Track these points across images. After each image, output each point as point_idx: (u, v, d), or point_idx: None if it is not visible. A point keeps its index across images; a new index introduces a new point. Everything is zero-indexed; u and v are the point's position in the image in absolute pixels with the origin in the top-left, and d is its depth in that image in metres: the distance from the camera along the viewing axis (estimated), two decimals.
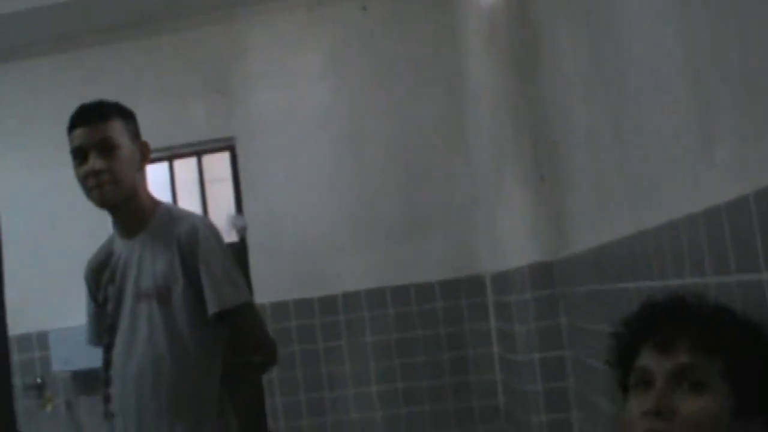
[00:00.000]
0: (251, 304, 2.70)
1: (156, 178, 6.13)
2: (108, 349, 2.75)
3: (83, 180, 2.60)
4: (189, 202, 5.87)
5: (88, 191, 2.59)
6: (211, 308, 2.58)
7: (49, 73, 6.17)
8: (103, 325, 2.79)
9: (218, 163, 6.01)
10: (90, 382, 5.83)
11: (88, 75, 6.08)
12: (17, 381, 5.95)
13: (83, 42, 6.11)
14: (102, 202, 2.60)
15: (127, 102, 5.62)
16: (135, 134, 2.70)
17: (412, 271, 5.58)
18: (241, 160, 5.73)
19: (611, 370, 1.68)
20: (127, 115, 2.70)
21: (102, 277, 2.78)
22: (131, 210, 2.67)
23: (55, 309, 5.92)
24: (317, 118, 5.77)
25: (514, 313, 4.69)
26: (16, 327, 5.87)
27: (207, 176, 6.02)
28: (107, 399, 2.75)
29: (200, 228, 2.65)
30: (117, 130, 2.60)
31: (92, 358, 5.52)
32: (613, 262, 3.14)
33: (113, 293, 2.71)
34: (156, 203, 2.78)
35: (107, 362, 2.74)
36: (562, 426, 4.38)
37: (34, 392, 5.94)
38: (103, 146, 2.55)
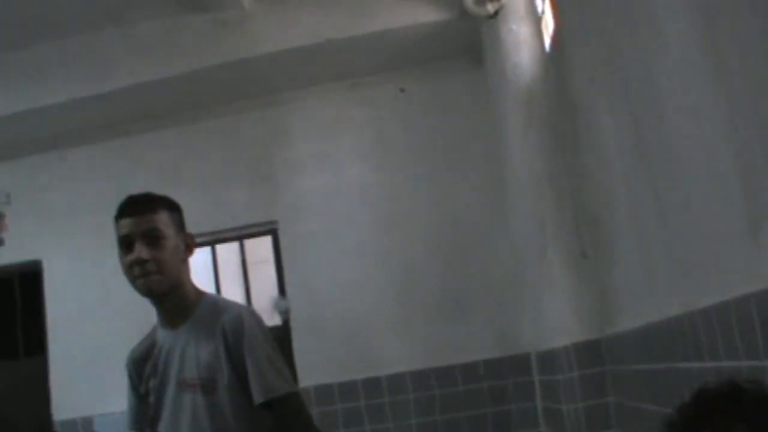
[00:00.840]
0: (297, 394, 2.65)
1: (199, 262, 6.20)
2: None
3: (128, 269, 2.60)
4: (232, 285, 5.91)
5: (133, 280, 2.60)
6: (257, 398, 2.52)
7: (94, 161, 6.32)
8: (145, 416, 2.79)
9: (261, 246, 6.06)
10: None
11: (133, 162, 6.22)
12: None
13: (127, 130, 6.26)
14: (147, 292, 2.59)
15: (171, 187, 5.70)
16: (181, 226, 2.72)
17: (456, 350, 5.53)
18: (283, 242, 5.78)
19: None
20: (173, 208, 2.73)
21: (145, 368, 2.73)
22: (175, 300, 2.65)
23: (99, 395, 5.92)
24: (358, 198, 5.82)
25: (561, 391, 4.62)
26: (61, 413, 5.92)
27: (249, 259, 6.06)
28: None
29: (245, 318, 2.62)
30: (163, 221, 2.59)
31: None
32: (662, 341, 3.09)
33: (156, 385, 2.67)
34: (200, 293, 2.80)
35: None
36: None
37: None
38: (149, 236, 2.54)
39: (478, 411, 5.48)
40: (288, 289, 5.71)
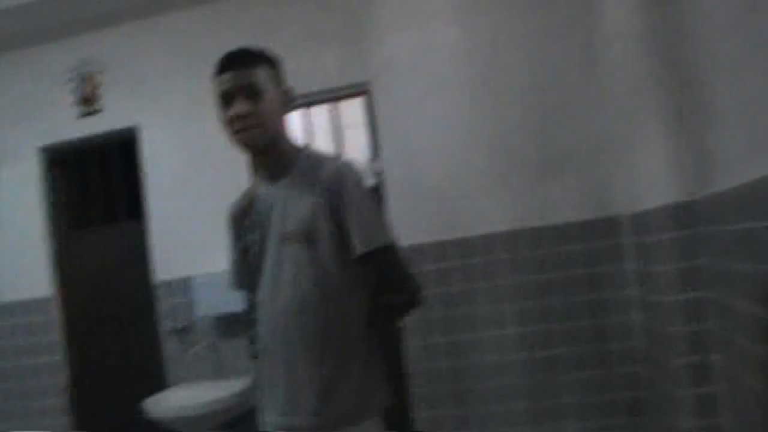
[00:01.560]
0: (396, 245, 2.75)
1: (292, 126, 6.29)
2: (252, 292, 2.87)
3: (228, 124, 2.71)
4: (325, 149, 5.98)
5: (233, 135, 2.70)
6: (358, 249, 2.64)
7: (187, 26, 6.40)
8: (247, 270, 2.89)
9: (353, 109, 6.09)
10: (232, 325, 6.07)
11: (225, 26, 6.28)
12: (163, 327, 6.27)
13: None
14: (246, 146, 2.70)
15: None
16: (280, 80, 2.80)
17: (548, 212, 5.55)
18: (376, 105, 5.77)
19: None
20: (273, 62, 2.80)
21: (244, 222, 2.89)
22: (275, 154, 2.77)
23: (198, 256, 6.16)
24: (451, 59, 5.78)
25: (653, 253, 4.64)
26: (161, 274, 6.18)
27: (343, 122, 6.11)
28: (253, 340, 2.88)
29: (345, 171, 2.71)
30: (263, 75, 2.68)
31: (235, 302, 5.81)
32: (763, 199, 3.06)
33: (257, 238, 2.80)
34: (299, 148, 2.87)
35: (252, 305, 2.88)
36: (704, 368, 4.34)
37: (178, 336, 6.18)
38: (249, 91, 2.63)
39: (569, 273, 5.54)
40: (381, 151, 5.74)
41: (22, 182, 6.70)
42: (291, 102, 2.85)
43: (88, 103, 6.56)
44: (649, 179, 4.64)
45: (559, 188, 5.55)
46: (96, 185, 6.81)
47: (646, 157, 4.63)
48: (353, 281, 2.70)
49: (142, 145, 6.43)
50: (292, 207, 2.71)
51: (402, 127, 5.75)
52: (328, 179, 2.68)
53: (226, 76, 2.67)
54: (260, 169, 2.84)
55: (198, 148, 6.25)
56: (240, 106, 2.62)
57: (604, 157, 5.50)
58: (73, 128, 6.62)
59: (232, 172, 6.13)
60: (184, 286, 6.22)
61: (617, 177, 5.44)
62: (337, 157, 2.83)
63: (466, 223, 5.61)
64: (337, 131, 6.11)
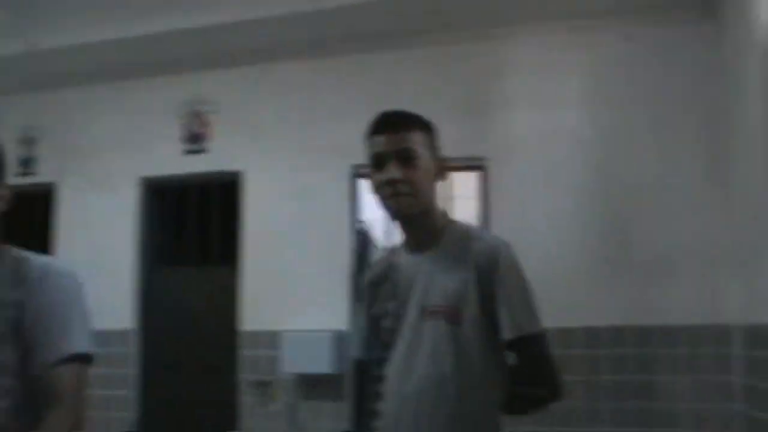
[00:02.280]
0: (545, 335, 2.59)
1: None
2: (382, 365, 2.72)
3: (379, 188, 2.57)
4: None
5: (384, 200, 2.57)
6: (507, 333, 2.50)
7: (301, 77, 6.46)
8: (378, 341, 2.84)
9: (466, 181, 6.09)
10: (315, 386, 6.04)
11: (339, 82, 6.32)
12: (243, 375, 6.25)
13: (338, 49, 6.37)
14: (397, 213, 2.58)
15: (376, 112, 5.82)
16: (434, 147, 2.67)
17: (656, 313, 5.46)
18: (490, 180, 5.76)
19: None
20: (428, 128, 2.66)
21: (380, 290, 2.78)
22: (424, 224, 2.64)
23: (288, 311, 6.16)
24: (571, 144, 5.76)
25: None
26: (248, 324, 6.18)
27: (454, 193, 6.12)
28: (373, 414, 2.78)
29: (502, 249, 2.57)
30: (418, 141, 2.58)
31: (319, 363, 5.78)
32: None
33: (394, 308, 2.69)
34: (450, 220, 2.78)
35: (380, 377, 2.71)
36: None
37: (259, 390, 6.16)
38: (403, 156, 2.53)
39: (673, 376, 5.42)
40: (492, 226, 5.70)
41: (120, 211, 6.79)
42: (444, 170, 2.71)
43: (196, 140, 6.65)
44: None
45: (671, 290, 5.46)
46: (193, 224, 6.85)
47: None
48: (494, 366, 2.57)
49: (245, 189, 6.47)
50: (436, 280, 2.59)
51: (516, 205, 5.73)
52: (480, 256, 2.55)
53: (381, 138, 2.56)
54: (406, 237, 2.70)
55: (302, 199, 6.28)
56: (393, 171, 2.51)
57: (721, 262, 5.40)
58: (178, 164, 6.71)
59: (336, 230, 6.15)
60: (270, 339, 6.19)
61: (733, 287, 5.32)
62: (491, 235, 2.73)
63: (571, 313, 5.52)
64: (448, 201, 6.10)
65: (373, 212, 6.38)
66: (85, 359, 2.32)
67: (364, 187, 6.38)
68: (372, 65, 6.26)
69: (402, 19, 6.04)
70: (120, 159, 6.86)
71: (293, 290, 6.17)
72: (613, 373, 5.49)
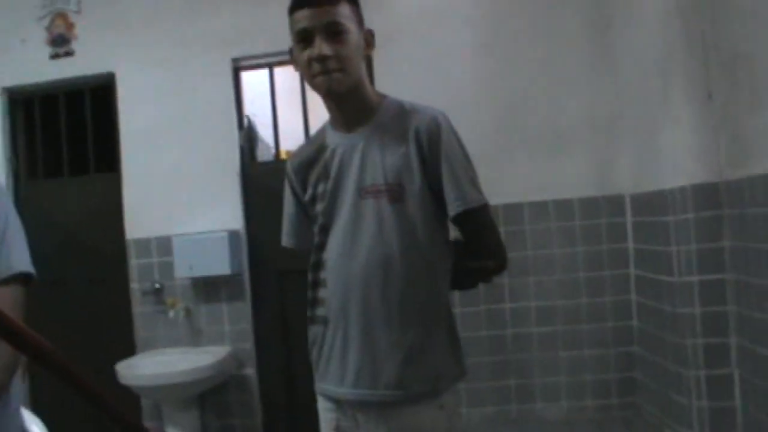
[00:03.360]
0: (488, 206, 2.65)
1: (285, 84, 6.23)
2: (319, 250, 2.70)
3: (307, 65, 2.52)
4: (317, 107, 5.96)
5: (312, 77, 2.53)
6: (453, 208, 2.53)
7: None
8: (305, 226, 2.79)
9: None
10: (213, 288, 6.02)
11: None
12: (135, 286, 6.18)
13: None
14: (327, 90, 2.54)
15: (257, 3, 5.74)
16: (361, 20, 2.63)
17: (552, 187, 5.63)
18: (377, 66, 5.73)
19: None
20: (354, 0, 2.60)
21: (310, 173, 2.74)
22: (356, 100, 2.62)
23: (175, 214, 6.07)
24: (458, 22, 5.77)
25: (671, 233, 4.74)
26: (135, 232, 6.08)
27: None
28: (314, 302, 2.72)
29: (441, 121, 2.59)
30: (345, 14, 2.52)
31: (216, 265, 5.77)
32: None
33: (327, 190, 2.66)
34: (381, 95, 2.74)
35: (318, 263, 2.70)
36: (720, 349, 4.47)
37: (152, 297, 6.11)
38: (331, 30, 2.48)
39: (571, 249, 5.65)
40: None
41: None
42: (371, 44, 2.72)
43: (62, 43, 6.38)
44: (670, 159, 4.71)
45: (563, 163, 5.64)
46: (66, 133, 6.60)
47: (670, 137, 4.70)
48: (441, 241, 2.60)
49: (120, 91, 6.28)
50: (373, 158, 2.57)
51: (405, 90, 5.61)
52: (420, 129, 2.56)
53: (305, 12, 2.48)
54: (335, 115, 2.69)
55: (182, 97, 6.12)
56: (322, 47, 2.45)
57: (611, 136, 5.60)
58: (44, 70, 6.41)
59: (221, 126, 6.06)
60: (160, 245, 6.11)
61: (624, 157, 5.54)
62: (431, 107, 2.68)
63: None
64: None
65: (255, 106, 6.32)
66: (26, 279, 2.23)
67: (246, 80, 6.29)
68: None
69: None
70: None
71: (181, 193, 6.07)
72: (511, 251, 5.64)
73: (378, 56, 5.71)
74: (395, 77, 5.68)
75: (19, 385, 2.37)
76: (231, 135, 6.11)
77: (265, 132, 6.47)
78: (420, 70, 5.74)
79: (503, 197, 5.62)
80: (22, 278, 2.21)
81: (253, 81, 6.34)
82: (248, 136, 6.24)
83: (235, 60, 6.11)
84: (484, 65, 5.74)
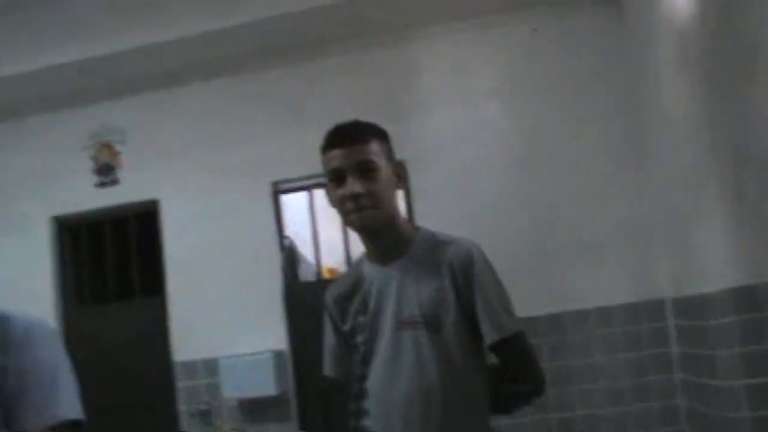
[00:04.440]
0: (524, 333, 2.70)
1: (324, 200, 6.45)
2: (361, 380, 2.77)
3: (340, 203, 2.61)
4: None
5: (346, 215, 2.61)
6: (489, 337, 2.59)
7: (212, 98, 6.58)
8: (345, 357, 2.85)
9: None
10: (259, 409, 6.14)
11: (252, 99, 6.47)
12: (182, 407, 6.31)
13: (246, 66, 6.50)
14: (361, 227, 2.63)
15: (293, 125, 5.97)
16: (391, 155, 2.71)
17: (590, 295, 5.75)
18: (413, 183, 5.95)
19: None
20: (383, 136, 2.70)
21: (350, 305, 2.80)
22: (390, 235, 2.69)
23: (221, 336, 6.24)
24: (489, 139, 6.02)
25: (712, 337, 4.82)
26: (181, 354, 6.24)
27: None
28: (358, 431, 2.77)
29: (475, 253, 2.66)
30: (375, 151, 2.61)
31: (261, 386, 5.88)
32: None
33: (366, 322, 2.74)
34: (415, 227, 2.82)
35: (360, 393, 2.78)
36: None
37: (199, 419, 6.23)
38: (362, 168, 2.56)
39: (613, 355, 5.73)
40: None
41: (34, 252, 6.77)
42: (402, 178, 2.80)
43: (107, 172, 6.70)
44: (706, 262, 4.84)
45: (601, 271, 5.78)
46: (112, 259, 6.88)
47: (705, 239, 4.81)
48: (478, 368, 2.66)
49: (163, 217, 6.56)
50: (409, 290, 2.64)
51: (440, 206, 5.89)
52: (454, 261, 2.63)
53: (337, 152, 2.59)
54: (371, 249, 2.77)
55: (223, 221, 6.37)
56: (354, 185, 2.54)
57: (646, 242, 5.77)
58: (90, 198, 6.74)
59: (262, 249, 6.28)
60: (207, 367, 6.28)
61: (661, 262, 5.68)
62: (464, 238, 2.76)
63: None
64: None
65: (296, 227, 6.54)
66: (74, 426, 2.19)
67: (286, 202, 6.53)
68: (284, 79, 6.42)
69: (311, 31, 6.21)
70: (30, 198, 6.82)
71: (225, 315, 6.26)
72: (552, 360, 5.73)
73: (414, 178, 5.96)
74: (432, 197, 5.91)
75: None
76: (273, 256, 6.32)
77: (306, 250, 6.66)
78: (455, 188, 5.97)
79: (543, 308, 5.75)
80: (69, 425, 2.17)
81: (293, 201, 6.58)
82: (290, 257, 6.44)
83: (274, 184, 6.37)
84: (519, 179, 5.95)
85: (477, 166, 5.99)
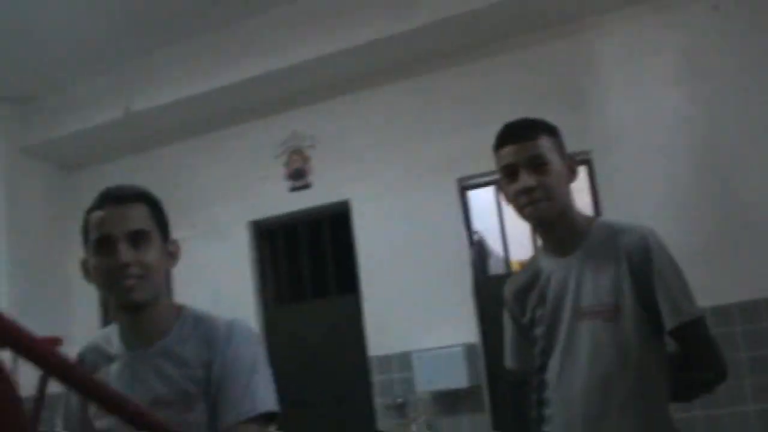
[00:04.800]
0: (705, 318, 2.70)
1: None
2: (541, 371, 2.83)
3: (514, 198, 2.71)
4: None
5: (520, 209, 2.72)
6: (669, 323, 2.59)
7: (394, 101, 6.80)
8: (526, 349, 2.90)
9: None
10: (452, 401, 6.29)
11: (433, 100, 6.62)
12: (378, 401, 6.54)
13: (429, 65, 6.67)
14: (535, 219, 2.74)
15: (478, 123, 6.10)
16: (563, 150, 2.80)
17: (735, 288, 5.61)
18: (598, 172, 5.95)
19: None
20: (553, 131, 2.81)
21: (528, 298, 2.88)
22: (565, 226, 2.76)
23: (414, 331, 6.44)
24: (672, 124, 5.91)
25: None
26: (376, 349, 6.47)
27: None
28: (540, 421, 2.84)
29: (651, 239, 2.68)
30: (546, 146, 2.70)
31: (454, 378, 6.03)
32: None
33: (545, 314, 2.80)
34: (590, 218, 2.90)
35: (541, 384, 2.83)
36: None
37: (395, 412, 6.44)
38: (534, 163, 2.65)
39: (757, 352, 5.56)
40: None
41: (234, 256, 7.22)
42: (575, 172, 2.84)
43: (300, 177, 7.05)
44: None
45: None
46: (307, 259, 7.24)
47: None
48: (658, 356, 2.68)
49: (355, 217, 6.83)
50: (587, 280, 2.69)
51: (625, 195, 5.86)
52: (631, 248, 2.66)
53: (509, 148, 2.71)
54: (547, 241, 2.87)
55: (413, 219, 6.57)
56: (526, 180, 2.64)
57: None
58: (284, 202, 7.11)
59: (451, 245, 6.43)
60: (401, 361, 6.49)
61: None
62: (639, 225, 2.80)
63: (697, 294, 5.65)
64: None
65: (483, 222, 6.65)
66: (269, 418, 2.42)
67: (474, 198, 6.66)
68: (465, 77, 6.54)
69: (489, 28, 6.31)
70: (227, 206, 7.28)
71: (418, 310, 6.44)
72: (750, 350, 5.59)
73: (598, 167, 5.98)
74: (617, 185, 5.88)
75: None
76: (461, 251, 6.46)
77: (493, 244, 6.77)
78: (640, 175, 5.90)
79: (735, 295, 5.59)
80: (264, 417, 2.41)
81: (480, 196, 6.70)
82: (479, 251, 6.57)
83: (460, 180, 6.50)
84: (704, 164, 5.82)
85: (661, 152, 5.90)
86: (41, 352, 0.70)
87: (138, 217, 2.35)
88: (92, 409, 2.55)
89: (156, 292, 2.38)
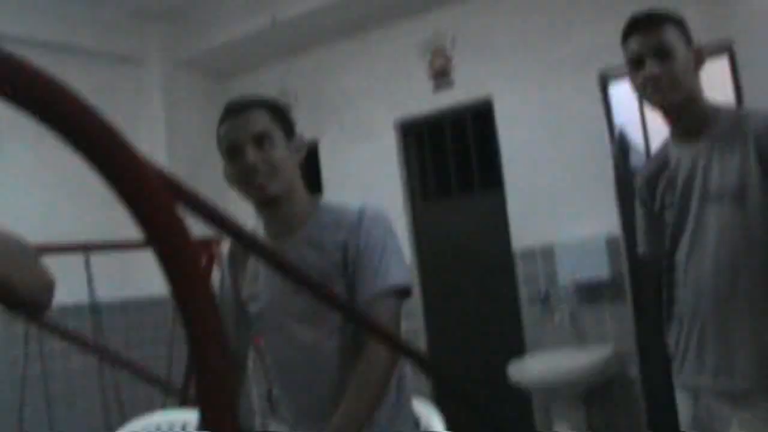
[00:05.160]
0: None
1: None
2: (671, 254, 2.95)
3: (641, 86, 2.82)
4: None
5: (647, 97, 2.83)
6: None
7: None
8: (659, 235, 3.02)
9: (711, 70, 6.20)
10: (594, 292, 6.41)
11: None
12: (522, 293, 6.74)
13: None
14: (662, 107, 2.84)
15: (618, 14, 6.04)
16: (689, 39, 2.84)
17: None
18: (740, 63, 5.84)
19: None
20: (679, 21, 2.84)
21: (658, 186, 2.98)
22: (692, 113, 2.83)
23: (557, 222, 6.58)
24: None
25: None
26: (520, 242, 6.64)
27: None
28: (670, 302, 3.01)
29: None
30: (672, 35, 2.75)
31: (596, 269, 6.13)
32: None
33: (674, 201, 2.89)
34: (716, 105, 2.91)
35: (671, 266, 2.96)
36: None
37: (539, 303, 6.62)
38: (659, 52, 2.72)
39: None
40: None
41: (381, 156, 7.49)
42: (701, 60, 2.86)
43: (442, 76, 7.20)
44: None
45: None
46: (452, 156, 7.44)
47: None
48: None
49: (497, 114, 6.95)
50: (715, 165, 2.75)
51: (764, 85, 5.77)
52: (758, 130, 2.70)
53: (636, 39, 2.77)
54: (675, 129, 2.93)
55: (555, 113, 6.64)
56: (652, 68, 2.71)
57: None
58: (428, 102, 7.30)
59: (593, 138, 6.48)
60: (544, 252, 6.66)
61: None
62: (761, 108, 2.90)
63: None
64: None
65: (627, 114, 6.65)
66: (402, 292, 2.67)
67: (616, 90, 6.65)
68: None
69: None
70: (374, 107, 7.53)
71: (560, 203, 6.54)
72: None
73: (741, 57, 5.85)
74: (759, 72, 5.75)
75: (410, 378, 2.88)
76: (603, 145, 6.49)
77: (635, 137, 6.76)
78: None
79: None
80: (398, 292, 2.65)
81: (621, 90, 6.66)
82: (621, 146, 6.58)
83: (601, 72, 6.49)
84: None
85: None
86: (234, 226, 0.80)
87: (258, 121, 2.63)
88: (246, 292, 2.86)
89: (287, 185, 2.66)
